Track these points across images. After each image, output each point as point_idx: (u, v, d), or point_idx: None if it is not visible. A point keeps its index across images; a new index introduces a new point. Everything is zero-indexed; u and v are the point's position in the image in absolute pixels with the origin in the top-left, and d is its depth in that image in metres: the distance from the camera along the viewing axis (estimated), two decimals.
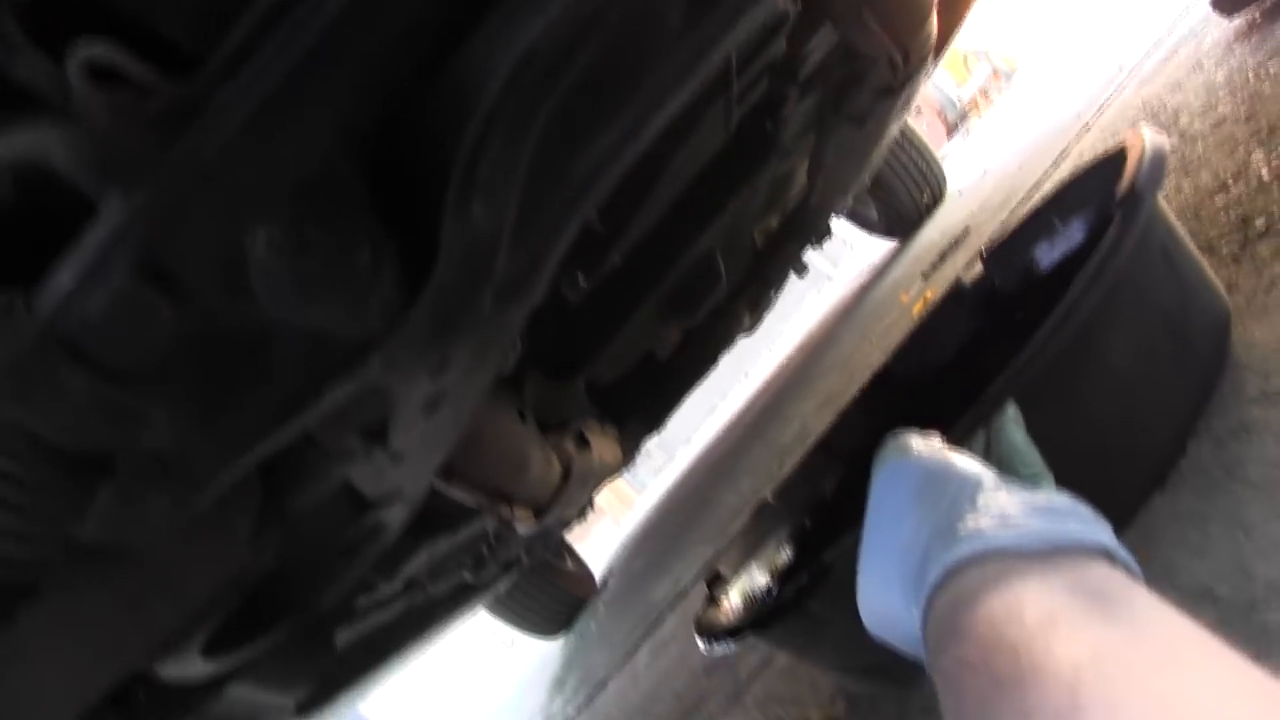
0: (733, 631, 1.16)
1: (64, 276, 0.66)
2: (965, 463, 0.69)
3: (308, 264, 0.67)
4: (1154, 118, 2.12)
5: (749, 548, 1.51)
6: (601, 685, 3.11)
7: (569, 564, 5.63)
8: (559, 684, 4.12)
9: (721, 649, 1.17)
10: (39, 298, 0.66)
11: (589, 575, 5.85)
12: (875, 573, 0.69)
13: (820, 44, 1.90)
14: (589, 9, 0.69)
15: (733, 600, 1.38)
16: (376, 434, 0.97)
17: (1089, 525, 0.58)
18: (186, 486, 0.84)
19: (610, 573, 6.12)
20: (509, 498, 1.79)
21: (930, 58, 1.96)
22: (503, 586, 4.16)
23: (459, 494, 1.65)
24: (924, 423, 1.45)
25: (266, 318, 0.72)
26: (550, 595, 5.09)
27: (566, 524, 4.43)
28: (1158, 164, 1.01)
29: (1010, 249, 1.48)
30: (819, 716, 1.28)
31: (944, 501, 0.64)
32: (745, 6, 0.85)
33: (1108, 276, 0.89)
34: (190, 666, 1.14)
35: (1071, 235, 1.33)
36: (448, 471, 1.58)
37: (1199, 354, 0.99)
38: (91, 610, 0.91)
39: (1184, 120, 1.87)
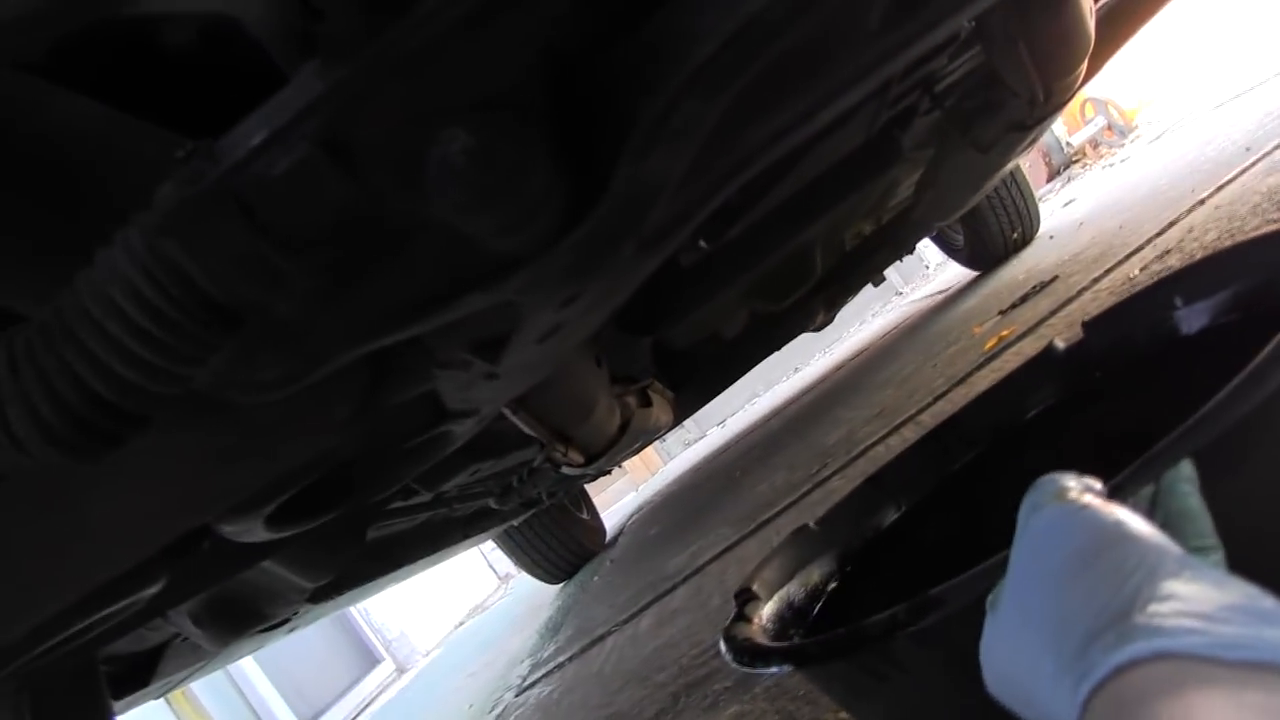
0: (787, 655, 1.04)
1: (251, 135, 0.69)
2: (1144, 528, 0.59)
3: (489, 176, 0.69)
4: (1278, 208, 2.11)
5: (784, 570, 1.41)
6: (599, 640, 3.14)
7: (584, 514, 5.69)
8: (552, 629, 4.16)
9: (765, 671, 1.10)
10: (221, 149, 0.69)
11: (600, 529, 5.92)
12: (1018, 636, 0.60)
13: (965, 64, 1.90)
14: None
15: (764, 618, 1.28)
16: (490, 351, 0.99)
17: None
18: (303, 359, 0.87)
19: (622, 532, 6.17)
20: (568, 438, 1.82)
21: (1069, 102, 1.96)
22: (518, 520, 4.22)
23: (523, 423, 1.68)
24: (988, 483, 1.44)
25: (425, 215, 0.75)
26: (560, 540, 5.16)
27: (597, 474, 4.49)
28: None
29: (1116, 320, 1.40)
30: None
31: (1119, 576, 0.56)
32: (940, 20, 0.87)
33: None
34: (252, 531, 1.18)
35: (1191, 319, 1.27)
36: (520, 400, 1.61)
37: None
38: (189, 453, 0.95)
39: None
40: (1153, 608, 0.51)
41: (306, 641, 8.04)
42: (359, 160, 0.71)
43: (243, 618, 1.83)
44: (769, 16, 0.69)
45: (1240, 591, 0.52)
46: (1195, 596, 0.51)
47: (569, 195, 0.77)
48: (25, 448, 0.76)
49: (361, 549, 2.00)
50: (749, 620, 1.24)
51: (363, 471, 1.36)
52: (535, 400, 1.64)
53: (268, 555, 1.53)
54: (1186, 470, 0.72)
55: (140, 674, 2.04)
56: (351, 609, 8.97)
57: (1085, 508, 0.64)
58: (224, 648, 2.04)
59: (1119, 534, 0.59)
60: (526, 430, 1.71)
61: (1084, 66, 1.81)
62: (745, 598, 1.32)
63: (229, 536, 1.20)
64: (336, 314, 0.83)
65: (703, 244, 1.64)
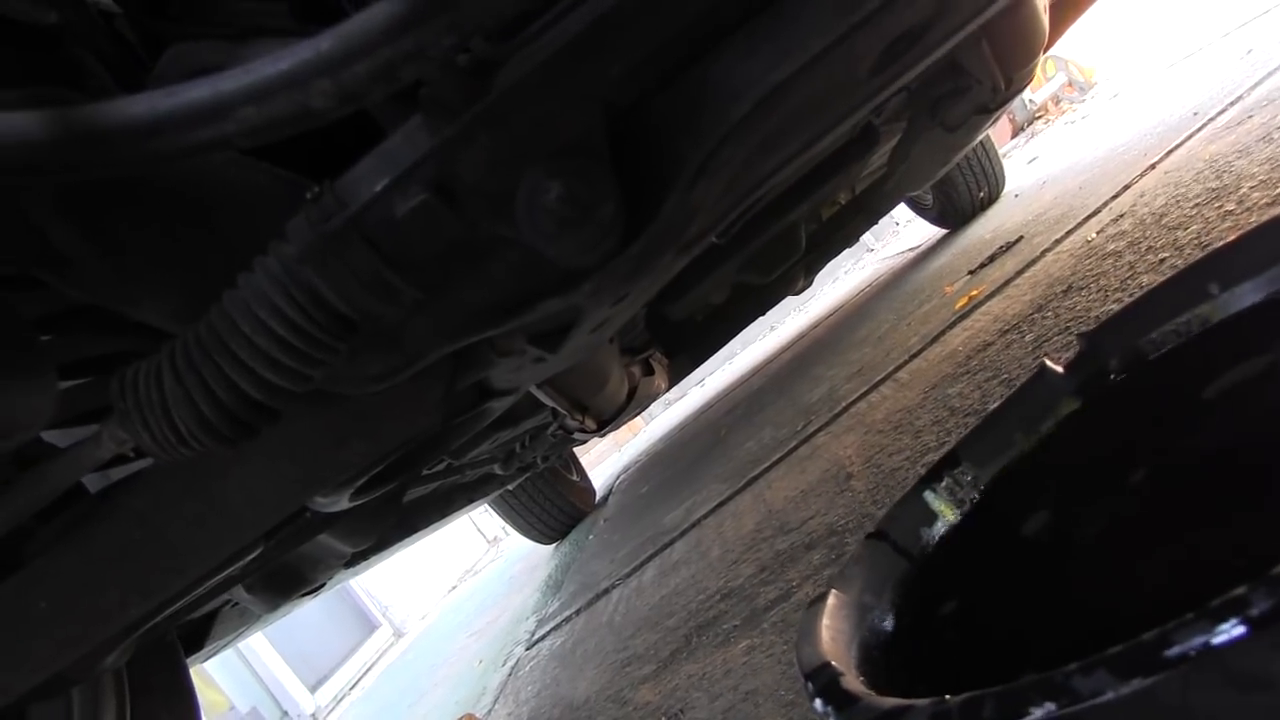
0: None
1: (371, 181, 0.87)
2: None
3: (572, 212, 0.87)
4: (1219, 177, 2.30)
5: (838, 641, 1.09)
6: (604, 593, 3.32)
7: (574, 476, 5.89)
8: (554, 586, 4.34)
9: None
10: (342, 191, 0.88)
11: (591, 489, 6.11)
12: None
13: None
14: (814, 58, 0.90)
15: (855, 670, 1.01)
16: (551, 342, 1.18)
17: None
18: (403, 356, 1.05)
19: (611, 492, 6.35)
20: (585, 407, 2.01)
21: (1028, 86, 2.16)
22: (513, 484, 4.41)
23: (548, 396, 1.86)
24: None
25: (507, 240, 0.93)
26: (553, 501, 5.35)
27: (593, 437, 4.69)
28: None
29: (1132, 324, 1.24)
30: None
31: None
32: (921, 59, 1.06)
33: None
34: (339, 501, 1.36)
35: (1233, 302, 1.15)
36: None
37: None
38: (308, 438, 1.13)
39: (1244, 188, 2.05)
40: None
41: (307, 610, 8.24)
42: (460, 199, 0.89)
43: (290, 583, 2.01)
44: (788, 81, 0.88)
45: None
46: None
47: (628, 218, 0.95)
48: (189, 442, 0.94)
49: (400, 513, 2.18)
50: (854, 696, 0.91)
51: (419, 445, 1.55)
52: (559, 375, 1.83)
53: (331, 525, 1.72)
54: None
55: (197, 639, 2.21)
56: None
57: None
58: (273, 611, 2.22)
59: None
60: (550, 402, 1.90)
61: (1040, 57, 2.01)
62: (825, 677, 0.95)
63: (318, 508, 1.39)
64: (432, 318, 1.02)
65: (714, 239, 1.83)
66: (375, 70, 0.70)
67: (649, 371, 2.69)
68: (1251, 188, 2.03)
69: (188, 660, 2.26)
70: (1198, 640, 0.58)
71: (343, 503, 1.38)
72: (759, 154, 0.99)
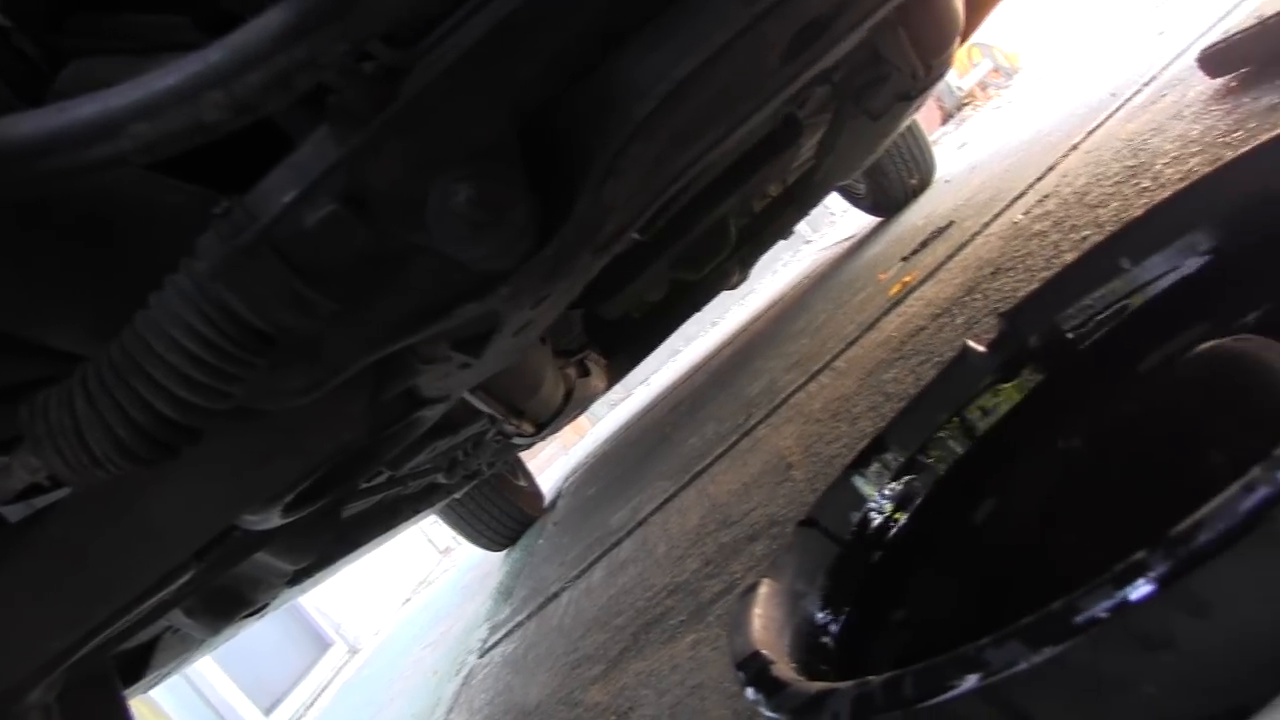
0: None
1: (280, 193, 0.86)
2: None
3: (485, 216, 0.86)
4: (1135, 155, 2.34)
5: (771, 628, 1.12)
6: (553, 597, 3.31)
7: (522, 481, 5.86)
8: (505, 593, 4.32)
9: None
10: (252, 205, 0.86)
11: (539, 494, 6.09)
12: None
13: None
14: (720, 49, 0.90)
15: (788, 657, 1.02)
16: (473, 347, 1.17)
17: None
18: (323, 369, 1.04)
19: (560, 495, 6.34)
20: (520, 411, 2.00)
21: (947, 72, 2.18)
22: (460, 493, 4.39)
23: (481, 402, 1.85)
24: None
25: (421, 246, 0.92)
26: (501, 508, 5.32)
27: (532, 441, 4.67)
28: None
29: (1048, 302, 1.28)
30: None
31: None
32: (833, 44, 1.06)
33: None
34: (269, 519, 1.34)
35: (1143, 273, 1.19)
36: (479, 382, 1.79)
37: None
38: (231, 456, 1.12)
39: (1159, 165, 2.09)
40: None
41: (258, 632, 8.14)
42: (371, 208, 0.88)
43: (230, 605, 1.97)
44: (692, 76, 0.88)
45: None
46: None
47: (541, 219, 0.95)
48: (103, 465, 0.92)
49: (338, 529, 2.16)
50: (783, 683, 0.93)
51: (350, 458, 1.53)
52: (492, 381, 1.82)
53: (266, 543, 1.69)
54: None
55: (135, 668, 2.17)
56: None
57: None
58: (214, 636, 2.18)
59: None
60: (484, 408, 1.89)
61: (957, 42, 2.02)
62: (755, 666, 0.98)
63: (248, 526, 1.37)
64: (350, 329, 1.01)
65: (636, 236, 1.82)
66: (268, 80, 0.68)
67: (585, 372, 2.69)
68: (1165, 164, 2.07)
69: (128, 691, 2.22)
70: (1103, 605, 0.60)
71: (274, 520, 1.36)
72: (671, 149, 0.99)
